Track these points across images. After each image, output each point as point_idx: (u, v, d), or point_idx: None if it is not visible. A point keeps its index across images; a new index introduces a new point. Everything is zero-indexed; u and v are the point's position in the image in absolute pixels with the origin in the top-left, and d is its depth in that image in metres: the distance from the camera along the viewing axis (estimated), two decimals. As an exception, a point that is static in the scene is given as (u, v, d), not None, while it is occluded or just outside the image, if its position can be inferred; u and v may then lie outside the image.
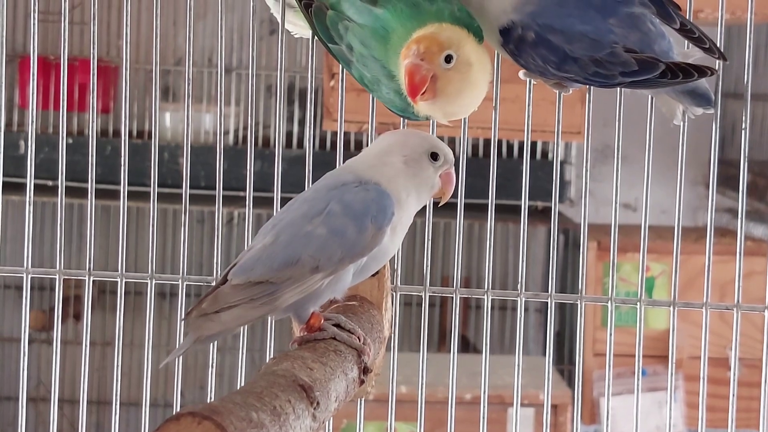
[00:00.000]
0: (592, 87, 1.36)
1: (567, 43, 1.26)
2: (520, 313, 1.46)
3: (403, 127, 1.41)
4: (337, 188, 1.24)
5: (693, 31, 1.29)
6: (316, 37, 1.36)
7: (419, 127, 1.40)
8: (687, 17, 1.34)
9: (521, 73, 1.37)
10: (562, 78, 1.31)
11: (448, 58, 1.24)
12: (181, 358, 1.44)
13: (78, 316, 3.83)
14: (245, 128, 3.79)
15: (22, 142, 3.46)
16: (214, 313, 1.20)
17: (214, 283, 1.45)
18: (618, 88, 1.36)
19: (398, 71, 1.27)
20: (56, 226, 1.47)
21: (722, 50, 1.34)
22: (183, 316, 1.30)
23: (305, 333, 1.24)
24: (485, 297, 1.47)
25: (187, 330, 1.23)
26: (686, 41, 1.32)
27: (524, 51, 1.28)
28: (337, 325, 1.25)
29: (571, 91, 1.36)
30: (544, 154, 3.63)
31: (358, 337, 1.25)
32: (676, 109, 1.39)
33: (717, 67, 1.32)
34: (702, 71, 1.27)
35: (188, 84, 1.46)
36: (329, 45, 1.32)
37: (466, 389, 2.94)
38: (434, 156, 1.27)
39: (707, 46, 1.29)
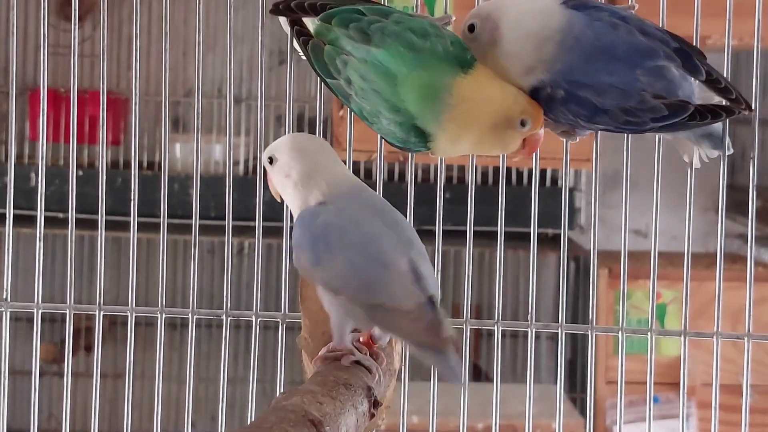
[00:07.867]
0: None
1: (596, 96, 1.28)
2: (531, 344, 1.45)
3: (411, 156, 1.41)
4: None
5: (719, 81, 1.29)
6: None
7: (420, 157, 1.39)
8: (694, 43, 1.34)
9: None
10: (593, 129, 1.32)
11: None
12: (191, 389, 1.44)
13: (89, 348, 3.83)
14: (255, 158, 3.80)
15: (33, 175, 3.47)
16: None
17: (224, 316, 1.45)
18: None
19: (421, 111, 1.28)
20: (67, 259, 1.47)
21: (730, 76, 1.34)
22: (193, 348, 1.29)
23: (327, 351, 1.25)
24: (496, 327, 1.46)
25: None
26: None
27: (555, 108, 1.29)
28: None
29: (578, 139, 1.37)
30: (554, 181, 3.63)
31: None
32: (693, 152, 1.40)
33: (754, 106, 1.32)
34: (730, 111, 1.28)
35: (198, 115, 1.46)
36: (327, 80, 1.32)
37: (478, 418, 2.93)
38: None
39: (734, 97, 1.29)
